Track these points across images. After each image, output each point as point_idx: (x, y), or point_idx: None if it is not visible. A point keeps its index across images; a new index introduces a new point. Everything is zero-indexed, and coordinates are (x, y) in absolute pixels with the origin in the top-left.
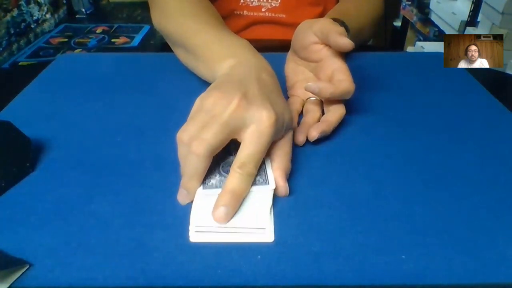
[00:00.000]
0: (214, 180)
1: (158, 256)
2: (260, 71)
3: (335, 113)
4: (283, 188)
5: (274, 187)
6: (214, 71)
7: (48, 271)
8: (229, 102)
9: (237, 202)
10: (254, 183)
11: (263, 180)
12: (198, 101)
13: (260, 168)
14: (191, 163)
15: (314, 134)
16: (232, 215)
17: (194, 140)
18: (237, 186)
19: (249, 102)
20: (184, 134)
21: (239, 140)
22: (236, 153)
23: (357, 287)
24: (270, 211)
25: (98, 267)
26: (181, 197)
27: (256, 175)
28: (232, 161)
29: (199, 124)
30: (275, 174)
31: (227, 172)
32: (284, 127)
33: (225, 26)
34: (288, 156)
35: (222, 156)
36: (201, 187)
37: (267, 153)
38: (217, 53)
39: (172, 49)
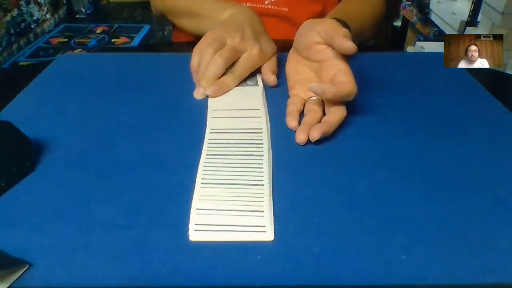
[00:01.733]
0: None
1: (158, 256)
2: (252, 18)
3: (337, 114)
4: (272, 78)
5: (262, 86)
6: (218, 20)
7: (48, 271)
8: (234, 36)
9: (224, 89)
10: (247, 85)
11: (254, 84)
12: (210, 33)
13: (252, 77)
14: (211, 69)
15: (316, 135)
16: (219, 95)
17: (215, 56)
18: (225, 80)
19: (245, 38)
20: (207, 47)
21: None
22: None
23: (357, 287)
24: (263, 100)
25: (98, 267)
26: (198, 94)
27: (249, 81)
28: None
29: (216, 45)
30: (264, 71)
31: None
32: (268, 56)
33: None
34: (274, 66)
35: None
36: None
37: (259, 71)
38: (219, 7)
39: (176, 22)
